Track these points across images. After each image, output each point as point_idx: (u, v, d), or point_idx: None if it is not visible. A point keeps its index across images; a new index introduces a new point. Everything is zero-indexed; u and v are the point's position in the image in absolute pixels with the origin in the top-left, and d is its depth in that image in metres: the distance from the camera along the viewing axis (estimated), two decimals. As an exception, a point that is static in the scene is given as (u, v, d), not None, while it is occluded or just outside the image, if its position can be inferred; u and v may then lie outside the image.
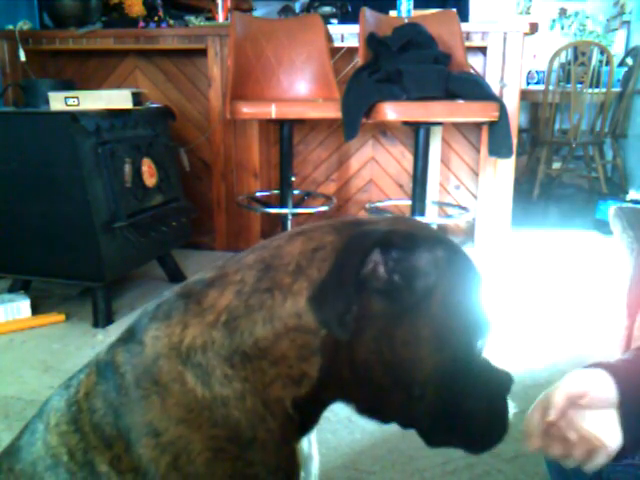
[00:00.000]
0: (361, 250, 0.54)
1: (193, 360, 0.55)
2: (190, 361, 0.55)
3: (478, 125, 2.79)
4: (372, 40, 2.42)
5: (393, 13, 2.80)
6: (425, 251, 0.57)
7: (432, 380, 0.58)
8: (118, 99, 2.09)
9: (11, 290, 2.23)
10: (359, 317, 0.55)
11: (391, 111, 2.09)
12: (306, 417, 0.60)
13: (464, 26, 2.57)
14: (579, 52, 4.15)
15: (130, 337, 0.60)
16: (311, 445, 0.68)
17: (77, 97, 2.03)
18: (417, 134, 2.30)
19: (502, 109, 2.15)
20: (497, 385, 0.71)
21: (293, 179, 2.62)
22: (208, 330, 0.56)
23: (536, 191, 4.27)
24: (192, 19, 2.88)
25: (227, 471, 0.55)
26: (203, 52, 2.82)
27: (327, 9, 3.18)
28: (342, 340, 0.55)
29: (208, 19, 2.97)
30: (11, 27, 2.93)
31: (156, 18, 2.90)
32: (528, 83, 5.00)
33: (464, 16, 3.32)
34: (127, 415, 0.55)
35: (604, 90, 4.14)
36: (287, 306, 0.55)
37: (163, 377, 0.55)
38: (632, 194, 3.40)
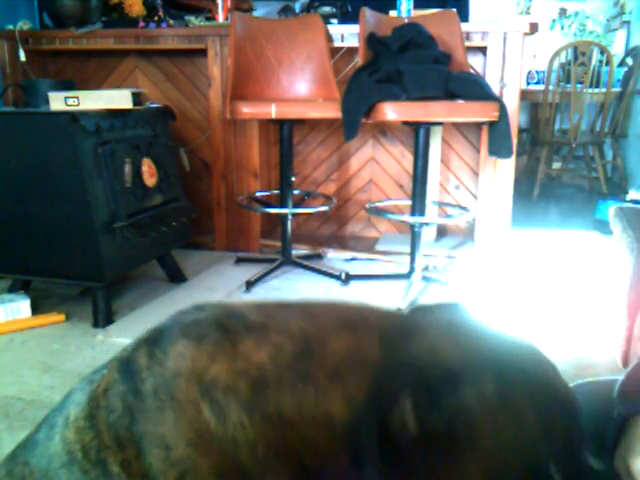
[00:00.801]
0: (392, 395, 0.52)
1: (212, 395, 0.55)
2: (209, 395, 0.55)
3: (478, 125, 2.79)
4: (372, 40, 2.42)
5: (393, 13, 2.80)
6: (469, 386, 0.53)
7: None
8: (118, 99, 2.10)
9: (11, 290, 2.23)
10: (389, 453, 0.53)
11: (391, 111, 2.09)
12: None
13: (464, 26, 2.56)
14: (579, 52, 4.15)
15: (157, 341, 0.59)
16: None
17: (77, 97, 2.03)
18: (417, 134, 2.30)
19: (502, 109, 2.15)
20: None
21: (293, 179, 2.62)
22: (235, 377, 0.56)
23: (536, 191, 4.27)
24: (192, 19, 2.88)
25: None
26: (203, 52, 2.82)
27: (327, 9, 3.18)
28: None
29: (208, 19, 2.97)
30: (11, 27, 2.93)
31: (156, 18, 2.90)
32: (528, 83, 5.00)
33: (464, 16, 3.32)
34: (141, 422, 0.54)
35: (604, 90, 4.14)
36: (320, 404, 0.55)
37: (180, 395, 0.55)
38: (632, 194, 3.40)
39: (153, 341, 0.59)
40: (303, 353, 0.56)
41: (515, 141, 2.41)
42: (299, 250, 2.84)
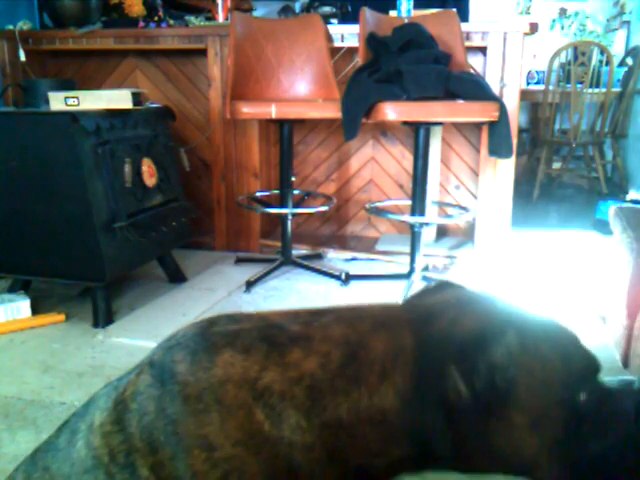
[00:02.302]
0: (438, 372, 0.57)
1: (267, 400, 0.56)
2: (264, 400, 0.56)
3: (478, 125, 2.79)
4: (372, 40, 2.41)
5: (393, 13, 2.80)
6: (496, 345, 0.58)
7: (543, 452, 0.59)
8: (118, 99, 2.09)
9: (11, 290, 2.23)
10: (447, 425, 0.57)
11: (391, 111, 2.09)
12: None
13: (464, 26, 2.56)
14: (579, 52, 4.15)
15: (198, 350, 0.59)
16: None
17: (77, 97, 2.03)
18: (417, 134, 2.30)
19: (502, 109, 2.15)
20: (624, 410, 0.66)
21: (293, 179, 2.62)
22: (289, 384, 0.57)
23: (536, 191, 4.27)
24: (192, 19, 2.88)
25: None
26: (203, 52, 2.82)
27: (327, 9, 3.18)
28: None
29: (208, 19, 2.97)
30: (11, 27, 2.93)
31: (156, 18, 2.90)
32: (528, 83, 5.00)
33: (464, 16, 3.32)
34: (181, 424, 0.54)
35: (604, 90, 4.14)
36: (374, 403, 0.57)
37: (228, 400, 0.55)
38: (632, 194, 3.41)
39: (193, 349, 0.59)
40: (349, 357, 0.59)
41: (515, 141, 2.41)
42: (299, 250, 2.84)
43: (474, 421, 0.58)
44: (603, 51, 4.14)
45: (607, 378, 0.75)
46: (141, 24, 2.89)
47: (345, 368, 0.58)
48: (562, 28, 5.54)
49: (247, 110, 2.29)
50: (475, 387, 0.57)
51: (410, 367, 0.58)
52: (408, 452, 0.59)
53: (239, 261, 2.78)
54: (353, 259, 2.84)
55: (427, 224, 2.50)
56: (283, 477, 0.55)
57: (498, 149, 2.26)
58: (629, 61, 4.52)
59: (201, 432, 0.54)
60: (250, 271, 2.56)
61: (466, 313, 0.63)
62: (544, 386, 0.59)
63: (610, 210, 1.92)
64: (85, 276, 2.05)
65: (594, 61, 4.10)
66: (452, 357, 0.57)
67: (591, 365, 0.63)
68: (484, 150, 2.64)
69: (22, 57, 2.87)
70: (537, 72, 5.03)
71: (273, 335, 0.60)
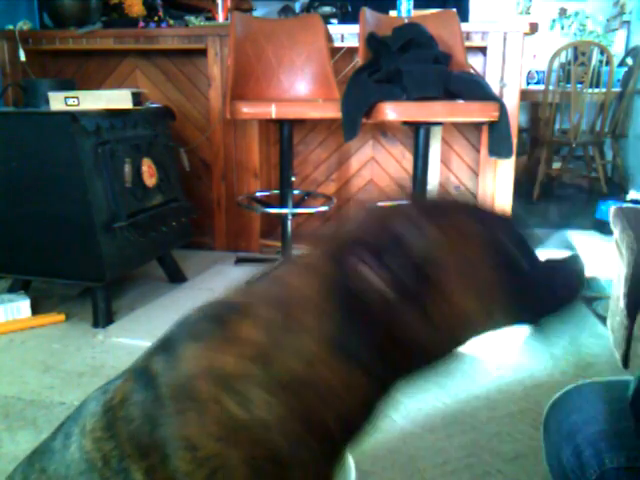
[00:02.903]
0: (357, 281, 0.55)
1: (232, 386, 0.56)
2: (229, 386, 0.56)
3: (478, 125, 2.79)
4: (372, 40, 2.41)
5: (393, 13, 2.80)
6: (409, 232, 0.56)
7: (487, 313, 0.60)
8: (118, 99, 2.10)
9: (11, 290, 2.23)
10: (378, 324, 0.56)
11: (391, 111, 2.09)
12: (350, 431, 0.61)
13: (464, 26, 2.56)
14: (579, 52, 4.15)
15: (167, 348, 0.60)
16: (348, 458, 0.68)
17: (77, 97, 2.03)
18: (417, 134, 2.30)
19: (502, 109, 2.15)
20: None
21: (293, 179, 2.62)
22: (245, 362, 0.57)
23: (536, 191, 4.27)
24: (192, 19, 2.88)
25: None
26: (203, 52, 2.82)
27: (327, 9, 3.18)
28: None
29: (208, 19, 2.97)
30: (11, 27, 2.93)
31: (156, 18, 2.90)
32: (528, 83, 5.00)
33: (464, 16, 3.32)
34: (163, 427, 0.55)
35: (604, 90, 4.14)
36: (321, 344, 0.57)
37: (201, 396, 0.56)
38: (632, 194, 3.40)
39: (164, 348, 0.60)
40: (284, 307, 0.58)
41: (515, 141, 2.41)
42: (299, 250, 2.84)
43: (411, 312, 0.56)
44: (603, 51, 4.14)
45: (607, 377, 0.76)
46: (141, 24, 2.89)
47: (286, 320, 0.58)
48: (562, 28, 5.54)
49: (247, 110, 2.29)
50: (394, 276, 0.55)
51: (335, 293, 0.57)
52: (373, 377, 0.58)
53: (239, 261, 2.78)
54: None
55: (427, 224, 2.49)
56: (266, 463, 0.55)
57: (498, 149, 2.26)
58: (629, 61, 4.52)
59: (183, 433, 0.54)
60: (250, 271, 2.56)
61: (373, 222, 0.61)
62: (469, 259, 0.58)
63: (610, 210, 1.92)
64: (85, 276, 2.05)
65: (594, 61, 4.10)
66: (362, 257, 0.55)
67: (512, 221, 0.63)
68: (484, 150, 2.65)
69: (22, 57, 2.87)
70: (537, 72, 5.03)
71: (222, 314, 0.60)
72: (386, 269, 0.56)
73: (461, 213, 0.62)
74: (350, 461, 0.69)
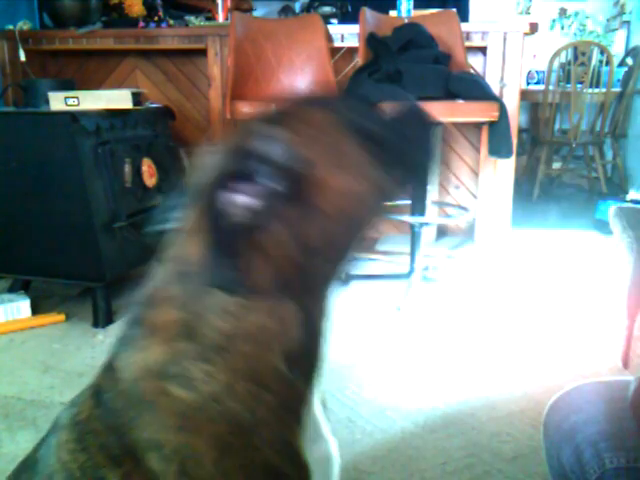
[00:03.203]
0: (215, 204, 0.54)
1: (170, 373, 0.56)
2: (167, 375, 0.56)
3: (478, 125, 2.79)
4: (372, 40, 2.41)
5: (393, 13, 2.80)
6: (266, 157, 0.55)
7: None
8: (118, 99, 2.09)
9: (11, 290, 2.23)
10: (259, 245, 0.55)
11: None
12: (302, 366, 0.60)
13: (464, 26, 2.56)
14: (579, 52, 4.15)
15: (108, 365, 0.61)
16: (329, 444, 0.67)
17: (77, 97, 2.03)
18: (417, 134, 2.29)
19: (502, 109, 2.15)
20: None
21: (293, 179, 2.62)
22: (171, 344, 0.57)
23: (536, 191, 4.27)
24: (192, 19, 2.88)
25: (236, 465, 0.55)
26: (203, 52, 2.82)
27: (327, 9, 3.18)
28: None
29: (208, 19, 2.97)
30: (11, 27, 2.92)
31: (156, 18, 2.90)
32: (528, 83, 5.00)
33: (464, 16, 3.32)
34: (127, 435, 0.55)
35: (604, 90, 4.14)
36: (227, 295, 0.57)
37: (148, 396, 0.56)
38: (632, 194, 3.40)
39: (106, 367, 0.61)
40: (182, 276, 0.59)
41: (515, 141, 2.41)
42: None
43: (302, 214, 0.56)
44: (603, 51, 4.14)
45: (607, 377, 0.76)
46: (141, 24, 2.89)
47: (187, 289, 0.58)
48: (562, 28, 5.54)
49: (247, 110, 2.29)
50: (274, 191, 0.55)
51: (217, 236, 0.56)
52: (299, 297, 0.58)
53: (239, 261, 2.77)
54: (353, 259, 2.83)
55: (427, 224, 2.50)
56: (231, 437, 0.55)
57: (498, 149, 2.26)
58: (629, 61, 4.52)
59: (145, 436, 0.55)
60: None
61: (238, 137, 0.61)
62: (329, 138, 0.59)
63: (610, 210, 1.92)
64: (85, 276, 2.05)
65: (594, 61, 4.10)
66: (235, 188, 0.54)
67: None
68: (484, 150, 2.64)
69: (22, 57, 2.87)
70: (537, 72, 5.03)
71: (136, 316, 0.61)
72: (260, 187, 0.55)
73: (309, 109, 0.63)
74: (333, 450, 0.68)
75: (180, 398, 0.55)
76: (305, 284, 0.59)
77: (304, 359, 0.60)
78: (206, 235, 0.55)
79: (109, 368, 0.60)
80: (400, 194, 0.68)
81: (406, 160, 0.65)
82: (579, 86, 4.17)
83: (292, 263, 0.57)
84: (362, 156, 0.61)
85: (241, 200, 0.54)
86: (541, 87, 4.55)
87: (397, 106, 0.68)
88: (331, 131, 0.61)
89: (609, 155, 4.84)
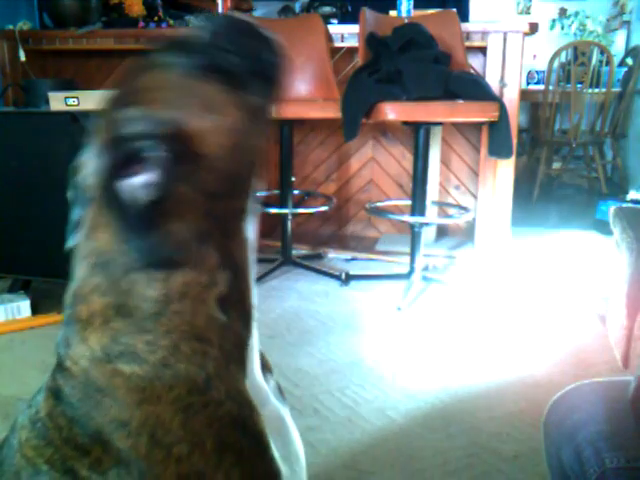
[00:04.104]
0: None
1: (115, 353, 0.57)
2: (113, 356, 0.57)
3: (478, 125, 2.79)
4: (372, 40, 2.41)
5: (393, 13, 2.80)
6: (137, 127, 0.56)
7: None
8: (118, 99, 2.09)
9: (11, 290, 2.23)
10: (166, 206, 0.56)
11: (391, 111, 2.09)
12: (240, 310, 0.61)
13: (464, 26, 2.57)
14: (579, 52, 4.15)
15: (58, 367, 0.63)
16: (278, 408, 0.68)
17: (77, 97, 2.03)
18: (417, 134, 2.30)
19: (502, 109, 2.15)
20: None
21: (293, 179, 2.62)
22: (106, 327, 0.58)
23: (536, 191, 4.27)
24: (192, 19, 2.88)
25: (203, 422, 0.56)
26: (203, 52, 2.82)
27: (327, 9, 3.18)
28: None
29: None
30: (11, 27, 2.93)
31: (156, 18, 2.90)
32: (528, 83, 5.00)
33: (464, 16, 3.32)
34: (91, 422, 0.57)
35: (604, 90, 4.14)
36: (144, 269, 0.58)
37: (102, 381, 0.57)
38: (632, 194, 3.40)
39: (58, 367, 0.63)
40: (98, 266, 0.60)
41: (515, 141, 2.41)
42: (299, 250, 2.84)
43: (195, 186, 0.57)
44: (603, 51, 4.14)
45: (607, 377, 0.76)
46: (141, 24, 2.89)
47: (106, 277, 0.59)
48: (562, 28, 5.54)
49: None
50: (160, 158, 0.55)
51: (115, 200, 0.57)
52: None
53: (239, 261, 2.77)
54: (353, 259, 2.84)
55: (427, 224, 2.50)
56: (191, 397, 0.56)
57: (498, 149, 2.26)
58: (629, 61, 4.52)
59: (109, 418, 0.56)
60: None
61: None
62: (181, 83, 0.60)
63: (610, 210, 1.92)
64: (85, 276, 2.05)
65: (594, 61, 4.10)
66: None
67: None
68: (484, 150, 2.65)
69: (22, 57, 2.87)
70: (537, 72, 5.03)
71: (68, 317, 0.62)
72: (147, 163, 0.56)
73: (150, 74, 0.64)
74: (285, 414, 0.69)
75: (132, 374, 0.56)
76: (220, 228, 0.60)
77: (237, 302, 0.61)
78: (116, 224, 0.57)
79: (60, 369, 0.62)
80: (269, 105, 0.67)
81: (253, 69, 0.65)
82: (579, 86, 4.17)
83: (203, 214, 0.58)
84: (216, 89, 0.61)
85: (137, 181, 0.55)
86: (541, 87, 4.55)
87: (208, 25, 0.67)
88: (177, 82, 0.61)
89: (609, 155, 4.85)
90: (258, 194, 0.65)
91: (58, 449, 0.58)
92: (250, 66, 0.64)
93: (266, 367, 0.71)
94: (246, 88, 0.63)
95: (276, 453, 0.61)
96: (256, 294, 0.64)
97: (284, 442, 0.65)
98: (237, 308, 0.61)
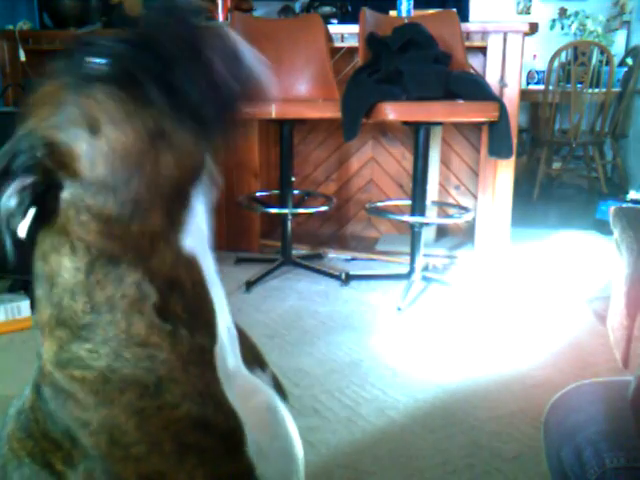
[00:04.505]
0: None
1: (65, 360, 0.59)
2: (64, 362, 0.59)
3: (478, 125, 2.79)
4: (372, 40, 2.41)
5: (393, 13, 2.80)
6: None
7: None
8: (118, 99, 2.09)
9: (11, 290, 2.23)
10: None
11: (391, 111, 2.09)
12: (192, 315, 0.61)
13: (464, 26, 2.56)
14: (579, 52, 4.15)
15: (38, 369, 0.65)
16: (270, 396, 0.67)
17: (77, 97, 2.03)
18: (417, 134, 2.30)
19: (502, 109, 2.15)
20: None
21: (293, 179, 2.62)
22: (52, 337, 0.60)
23: (536, 191, 4.28)
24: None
25: (159, 425, 0.57)
26: (203, 52, 2.82)
27: (327, 9, 3.18)
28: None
29: (208, 19, 2.97)
30: (11, 27, 2.93)
31: (156, 18, 2.90)
32: (528, 83, 5.00)
33: (464, 16, 3.33)
34: (60, 420, 0.59)
35: (604, 90, 4.14)
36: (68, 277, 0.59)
37: (62, 384, 0.59)
38: (632, 194, 3.40)
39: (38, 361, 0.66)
40: (46, 282, 0.63)
41: (515, 141, 2.41)
42: (299, 250, 2.84)
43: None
44: (603, 51, 4.14)
45: (607, 377, 0.76)
46: (141, 24, 2.88)
47: (54, 287, 0.60)
48: (562, 28, 5.54)
49: (247, 110, 2.29)
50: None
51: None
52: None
53: (239, 261, 2.78)
54: (353, 259, 2.84)
55: (427, 224, 2.50)
56: (143, 401, 0.57)
57: (498, 149, 2.26)
58: (629, 61, 4.52)
59: (73, 417, 0.58)
60: (250, 271, 2.56)
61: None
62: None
63: (610, 210, 1.92)
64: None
65: (594, 61, 4.10)
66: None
67: None
68: (484, 150, 2.65)
69: (22, 57, 2.87)
70: (537, 72, 5.04)
71: (37, 321, 0.65)
72: (19, 183, 0.57)
73: (43, 88, 0.63)
74: (278, 403, 0.68)
75: (84, 378, 0.58)
76: (135, 248, 0.58)
77: (184, 310, 0.60)
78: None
79: (39, 367, 0.64)
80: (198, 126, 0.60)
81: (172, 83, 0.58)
82: (579, 86, 4.17)
83: (104, 237, 0.57)
84: (111, 104, 0.56)
85: (7, 204, 0.56)
86: (541, 87, 4.55)
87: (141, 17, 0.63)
88: (61, 96, 0.60)
89: (609, 155, 4.85)
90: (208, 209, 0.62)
91: (37, 442, 0.60)
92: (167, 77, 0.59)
93: (258, 360, 0.71)
94: (153, 103, 0.56)
95: (252, 449, 0.60)
96: (222, 295, 0.63)
97: (271, 436, 0.64)
98: (186, 315, 0.60)
